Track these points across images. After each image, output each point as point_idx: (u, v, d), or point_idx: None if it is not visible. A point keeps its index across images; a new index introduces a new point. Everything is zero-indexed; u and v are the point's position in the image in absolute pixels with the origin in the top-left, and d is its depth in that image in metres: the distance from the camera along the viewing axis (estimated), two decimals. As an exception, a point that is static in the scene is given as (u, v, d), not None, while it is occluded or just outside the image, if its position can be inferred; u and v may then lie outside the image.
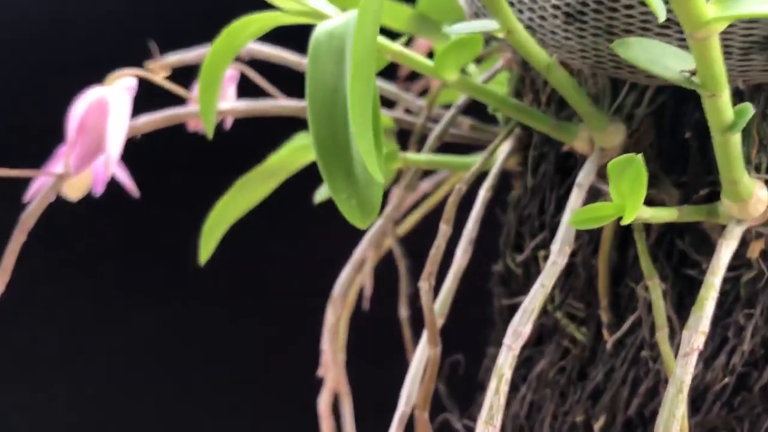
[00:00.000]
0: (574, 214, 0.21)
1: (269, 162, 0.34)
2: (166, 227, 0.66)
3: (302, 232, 0.67)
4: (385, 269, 0.40)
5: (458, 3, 0.33)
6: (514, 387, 0.33)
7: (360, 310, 0.41)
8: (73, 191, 0.33)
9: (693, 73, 0.19)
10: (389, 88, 0.40)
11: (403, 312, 0.38)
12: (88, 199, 0.32)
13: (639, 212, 0.22)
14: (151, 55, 0.37)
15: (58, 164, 0.32)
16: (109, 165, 0.29)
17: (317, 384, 0.38)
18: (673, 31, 0.22)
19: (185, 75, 0.36)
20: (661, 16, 0.19)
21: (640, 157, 0.19)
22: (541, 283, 0.24)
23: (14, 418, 0.72)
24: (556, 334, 0.31)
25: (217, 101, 0.30)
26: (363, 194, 0.25)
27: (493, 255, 0.36)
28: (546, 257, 0.31)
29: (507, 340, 0.23)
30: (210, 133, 0.31)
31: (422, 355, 0.28)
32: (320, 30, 0.26)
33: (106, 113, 0.29)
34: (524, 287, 0.33)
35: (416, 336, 0.38)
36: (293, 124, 0.36)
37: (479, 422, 0.23)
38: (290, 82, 0.38)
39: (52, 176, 0.31)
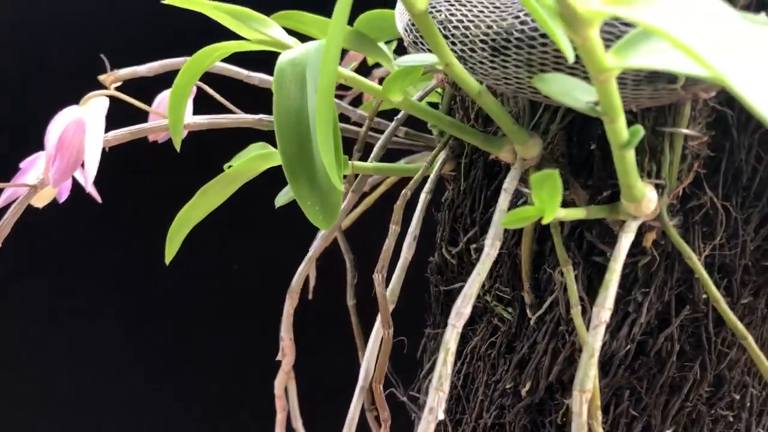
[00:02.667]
0: (505, 216, 0.25)
1: (229, 171, 0.37)
2: (136, 226, 0.68)
3: (259, 231, 0.70)
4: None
5: (392, 23, 0.37)
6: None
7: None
8: (40, 200, 0.36)
9: (596, 103, 0.24)
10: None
11: (350, 300, 0.42)
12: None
13: (556, 214, 0.27)
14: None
15: (28, 176, 0.34)
16: (88, 180, 0.31)
17: (273, 368, 0.41)
18: (580, 65, 0.26)
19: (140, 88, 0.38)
20: (570, 58, 0.23)
21: (556, 172, 0.23)
22: (477, 272, 0.28)
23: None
24: (487, 315, 0.36)
25: (184, 116, 0.34)
26: (325, 201, 0.29)
27: (427, 249, 0.41)
28: (477, 250, 0.36)
29: (451, 319, 0.27)
30: (178, 145, 0.34)
31: (377, 336, 0.32)
32: (284, 58, 0.29)
33: (83, 132, 0.32)
34: (458, 275, 0.37)
35: (361, 322, 0.42)
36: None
37: (431, 389, 0.27)
38: (237, 92, 0.42)
39: (25, 187, 0.34)
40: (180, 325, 0.74)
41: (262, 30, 0.31)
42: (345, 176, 0.38)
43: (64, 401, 0.75)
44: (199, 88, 0.42)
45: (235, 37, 0.32)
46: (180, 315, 0.74)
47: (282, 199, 0.36)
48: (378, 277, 0.31)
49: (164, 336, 0.75)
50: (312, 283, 0.47)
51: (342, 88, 0.49)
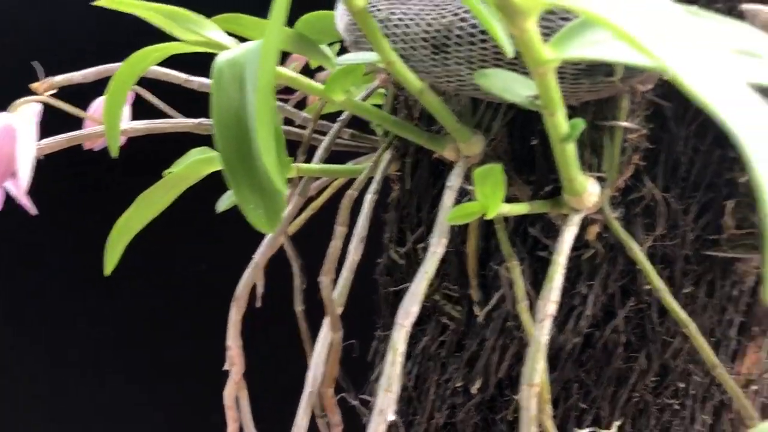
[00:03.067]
0: (450, 212, 0.25)
1: (171, 175, 0.36)
2: (82, 233, 0.66)
3: (203, 237, 0.69)
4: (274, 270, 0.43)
5: (333, 24, 0.37)
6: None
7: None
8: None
9: (536, 97, 0.24)
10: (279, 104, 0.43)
11: (298, 306, 0.42)
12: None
13: (499, 209, 0.27)
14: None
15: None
16: (21, 188, 0.30)
17: (222, 377, 0.40)
18: (519, 61, 0.26)
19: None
20: (510, 53, 0.24)
21: (499, 167, 0.24)
22: (424, 270, 0.28)
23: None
24: (436, 314, 0.36)
25: (120, 122, 0.33)
26: (268, 203, 0.28)
27: (376, 251, 0.40)
28: (424, 249, 0.36)
29: (399, 319, 0.27)
30: (114, 151, 0.33)
31: (324, 339, 0.31)
32: (221, 59, 0.29)
33: (14, 139, 0.30)
34: (407, 276, 0.37)
35: (312, 328, 0.41)
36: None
37: (379, 390, 0.27)
38: (177, 97, 0.41)
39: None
40: (135, 332, 0.72)
41: (199, 31, 0.30)
42: (290, 179, 0.38)
43: (13, 409, 0.73)
44: (138, 94, 0.41)
45: (173, 40, 0.31)
46: (135, 322, 0.72)
47: (224, 203, 0.36)
48: (324, 280, 0.30)
49: (118, 343, 0.73)
50: (260, 290, 0.46)
51: (286, 92, 0.49)
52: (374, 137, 0.42)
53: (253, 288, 0.45)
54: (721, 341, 0.34)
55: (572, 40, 0.21)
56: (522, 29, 0.20)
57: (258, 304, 0.46)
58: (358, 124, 0.44)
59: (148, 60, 0.31)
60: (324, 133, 0.39)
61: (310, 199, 0.45)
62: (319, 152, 0.35)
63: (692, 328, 0.29)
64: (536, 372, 0.26)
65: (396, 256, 0.37)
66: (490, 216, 0.25)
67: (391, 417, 0.26)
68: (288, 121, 0.45)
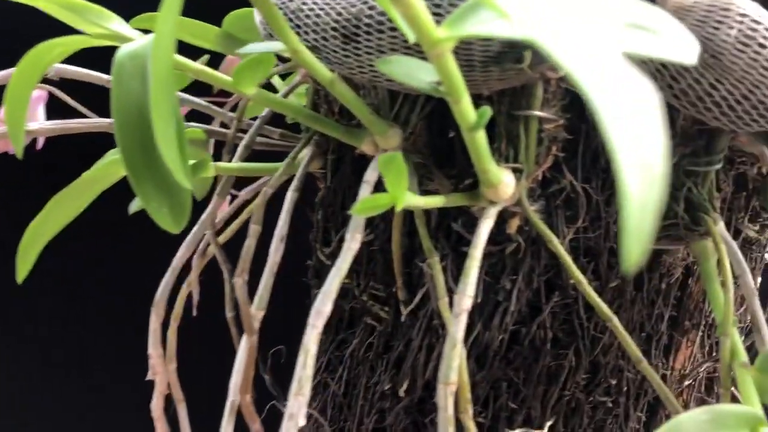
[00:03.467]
0: (357, 204, 0.24)
1: (83, 178, 0.34)
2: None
3: (125, 241, 0.67)
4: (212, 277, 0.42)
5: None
6: (333, 369, 0.37)
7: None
8: None
9: (439, 83, 0.24)
10: (204, 103, 0.42)
11: (229, 313, 0.40)
12: None
13: (411, 200, 0.26)
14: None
15: None
16: None
17: (149, 387, 0.39)
18: (428, 48, 0.26)
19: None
20: (411, 38, 0.23)
21: (399, 154, 0.23)
22: (337, 267, 0.27)
23: None
24: (364, 316, 0.35)
25: (24, 122, 0.31)
26: (173, 201, 0.27)
27: (309, 253, 0.39)
28: (350, 248, 0.35)
29: (310, 319, 0.26)
30: (19, 153, 0.31)
31: (246, 346, 0.30)
32: (122, 52, 0.28)
33: None
34: (335, 277, 0.36)
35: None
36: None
37: (290, 395, 0.25)
38: (101, 100, 0.39)
39: None
40: (72, 336, 0.70)
41: (102, 23, 0.29)
42: (215, 179, 0.37)
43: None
44: (53, 95, 0.39)
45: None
46: (71, 325, 0.70)
47: (136, 204, 0.34)
48: (238, 281, 0.29)
49: (53, 347, 0.71)
50: (195, 297, 0.44)
51: (222, 95, 0.48)
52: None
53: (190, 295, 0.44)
54: (653, 336, 0.33)
55: (463, 20, 0.20)
56: (407, 5, 0.19)
57: (194, 312, 0.45)
58: (291, 123, 0.43)
59: (51, 55, 0.30)
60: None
61: (246, 203, 0.44)
62: (239, 150, 0.34)
63: (615, 321, 0.28)
64: (452, 370, 0.25)
65: (323, 256, 0.36)
66: (399, 207, 0.24)
67: (302, 422, 0.25)
68: (225, 127, 0.44)
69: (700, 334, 0.35)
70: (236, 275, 0.29)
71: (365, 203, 0.24)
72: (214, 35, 0.43)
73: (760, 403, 0.25)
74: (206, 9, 0.44)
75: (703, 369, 0.36)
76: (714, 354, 0.36)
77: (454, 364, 0.25)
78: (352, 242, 0.27)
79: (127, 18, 0.32)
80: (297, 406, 0.25)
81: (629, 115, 0.11)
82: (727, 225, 0.32)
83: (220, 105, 0.47)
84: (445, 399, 0.25)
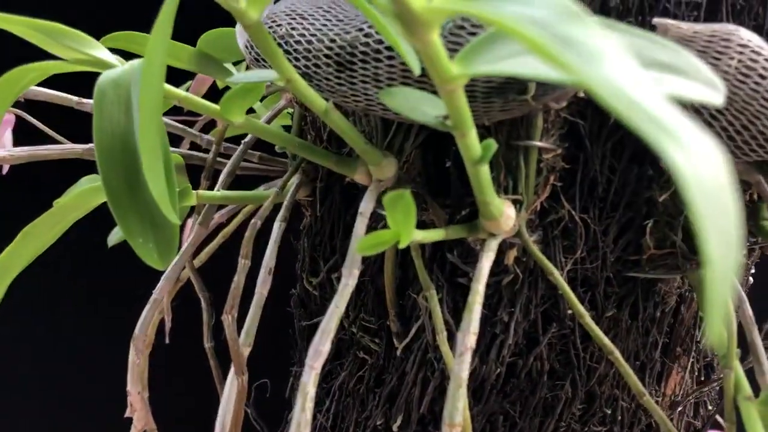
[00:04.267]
0: (360, 241, 0.23)
1: (56, 206, 0.33)
2: None
3: (100, 270, 0.65)
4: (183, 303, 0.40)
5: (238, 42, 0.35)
6: (319, 401, 0.35)
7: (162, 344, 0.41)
8: None
9: (446, 117, 0.23)
10: (175, 124, 0.40)
11: (207, 342, 0.39)
12: None
13: (413, 235, 0.25)
14: None
15: None
16: None
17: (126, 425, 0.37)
18: (428, 79, 0.25)
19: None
20: (417, 70, 0.22)
21: (408, 192, 0.22)
22: (335, 305, 0.26)
23: None
24: (353, 347, 0.34)
25: (-6, 150, 0.29)
26: (159, 236, 0.26)
27: (291, 281, 0.38)
28: (339, 279, 0.33)
29: (309, 360, 0.25)
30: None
31: (232, 383, 0.29)
32: (104, 79, 0.26)
33: None
34: (322, 308, 0.35)
35: (222, 365, 0.39)
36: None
37: (290, 439, 0.24)
38: (70, 121, 0.38)
39: None
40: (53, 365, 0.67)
41: (81, 49, 0.28)
42: (193, 207, 0.35)
43: None
44: (23, 119, 0.38)
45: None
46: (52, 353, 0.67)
47: (115, 236, 0.33)
48: (228, 319, 0.28)
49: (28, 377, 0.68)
50: (168, 325, 0.43)
51: (191, 114, 0.46)
52: (285, 159, 0.40)
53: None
54: (646, 364, 0.33)
55: (481, 54, 0.19)
56: (425, 42, 0.18)
57: (166, 340, 0.43)
58: (268, 146, 0.42)
59: (24, 80, 0.28)
60: (230, 157, 0.37)
61: (221, 227, 0.42)
62: (222, 177, 0.33)
63: (617, 354, 0.28)
64: (457, 411, 0.24)
65: (309, 287, 0.35)
66: (403, 244, 0.23)
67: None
68: (195, 147, 0.43)
69: (691, 360, 0.35)
70: (225, 312, 0.28)
71: (369, 240, 0.23)
72: (188, 55, 0.41)
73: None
74: (180, 29, 0.42)
75: (692, 394, 0.36)
76: (703, 379, 0.36)
77: (459, 405, 0.24)
78: (350, 279, 0.26)
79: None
80: (297, 453, 0.24)
81: (707, 181, 0.11)
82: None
83: (190, 124, 0.45)
84: (450, 441, 0.24)
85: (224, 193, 0.33)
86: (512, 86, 0.24)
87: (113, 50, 0.30)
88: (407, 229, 0.23)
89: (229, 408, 0.28)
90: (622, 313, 0.31)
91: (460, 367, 0.25)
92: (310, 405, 0.25)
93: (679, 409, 0.35)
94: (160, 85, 0.24)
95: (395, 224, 0.23)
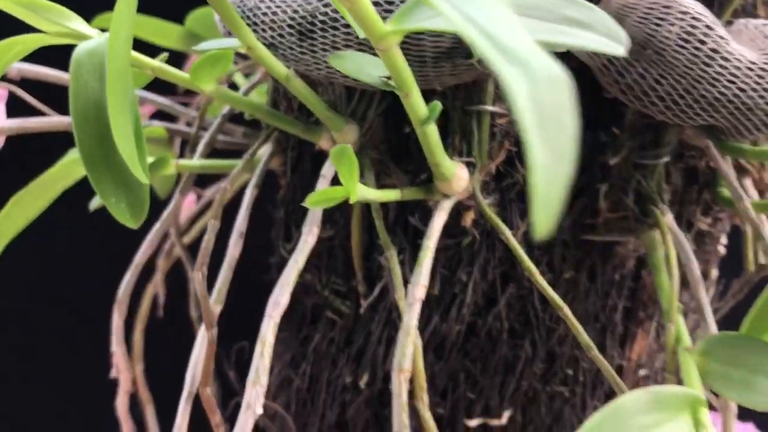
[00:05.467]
0: (311, 196, 0.25)
1: (44, 176, 0.35)
2: None
3: (88, 238, 0.66)
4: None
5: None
6: (297, 365, 0.37)
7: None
8: None
9: (389, 77, 0.24)
10: (169, 103, 0.42)
11: (194, 312, 0.41)
12: None
13: (366, 193, 0.27)
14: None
15: None
16: None
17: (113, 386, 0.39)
18: (381, 45, 0.26)
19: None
20: (362, 34, 0.23)
21: (349, 147, 0.23)
22: (294, 259, 0.28)
23: None
24: (326, 311, 0.35)
25: (-17, 120, 0.31)
26: (131, 196, 0.27)
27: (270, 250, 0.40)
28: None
29: (268, 310, 0.27)
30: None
31: (203, 338, 0.30)
32: (80, 49, 0.28)
33: None
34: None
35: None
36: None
37: (247, 384, 0.26)
38: (63, 98, 0.39)
39: None
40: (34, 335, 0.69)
41: (61, 22, 0.29)
42: (179, 176, 0.37)
43: None
44: (14, 94, 0.39)
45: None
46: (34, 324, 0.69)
47: (97, 201, 0.35)
48: (196, 276, 0.29)
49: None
50: (161, 298, 0.45)
51: (188, 94, 0.48)
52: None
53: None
54: (607, 327, 0.34)
55: (409, 15, 0.21)
56: (352, 1, 0.19)
57: (160, 313, 0.45)
58: (253, 122, 0.43)
59: (9, 54, 0.30)
60: (221, 133, 0.38)
61: (212, 203, 0.44)
62: (200, 148, 0.34)
63: (566, 310, 0.29)
64: (406, 357, 0.26)
65: (285, 254, 0.36)
66: (352, 200, 0.25)
67: (260, 411, 0.26)
68: (190, 126, 0.44)
69: (655, 324, 0.36)
70: (195, 269, 0.30)
71: (319, 196, 0.25)
72: (176, 34, 0.43)
73: (701, 385, 0.26)
74: (170, 9, 0.44)
75: (658, 359, 0.37)
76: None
77: (408, 352, 0.26)
78: (309, 236, 0.28)
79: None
80: (254, 396, 0.26)
81: (542, 93, 0.12)
82: (679, 218, 0.33)
83: (186, 105, 0.47)
84: (399, 386, 0.25)
85: (202, 162, 0.34)
86: (459, 50, 0.26)
87: (105, 30, 0.31)
88: (352, 183, 0.24)
89: (199, 362, 0.30)
90: (580, 275, 0.32)
91: (410, 316, 0.26)
92: (268, 351, 0.26)
93: (643, 373, 0.36)
94: (126, 49, 0.26)
95: (343, 178, 0.24)
